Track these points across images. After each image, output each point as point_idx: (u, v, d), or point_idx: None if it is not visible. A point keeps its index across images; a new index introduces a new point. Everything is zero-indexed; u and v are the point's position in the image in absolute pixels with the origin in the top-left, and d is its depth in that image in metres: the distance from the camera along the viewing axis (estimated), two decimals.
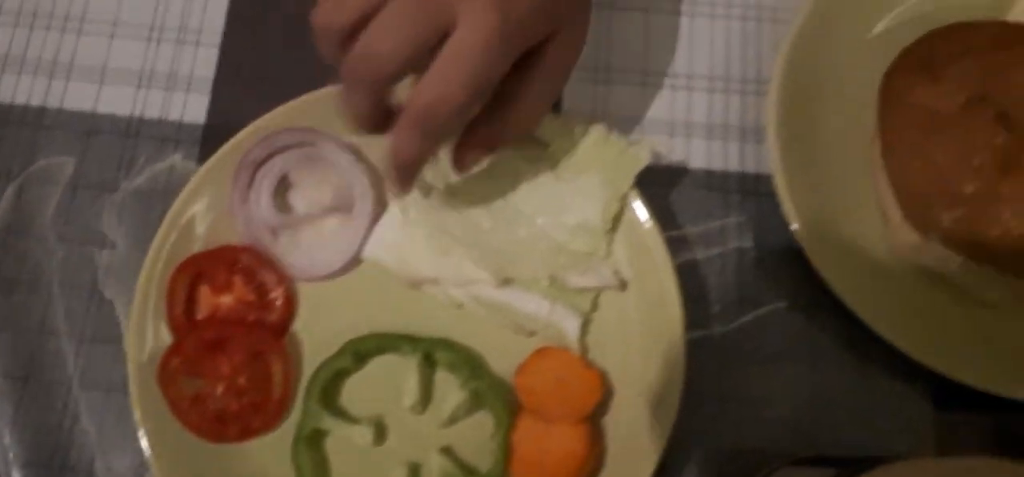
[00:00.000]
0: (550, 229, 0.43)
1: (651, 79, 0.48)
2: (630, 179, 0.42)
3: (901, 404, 0.43)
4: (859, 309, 0.41)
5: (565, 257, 0.43)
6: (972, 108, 0.37)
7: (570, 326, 0.42)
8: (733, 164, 0.47)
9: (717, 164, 0.47)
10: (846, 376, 0.43)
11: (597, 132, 0.43)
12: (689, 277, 0.45)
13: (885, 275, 0.42)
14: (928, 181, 0.38)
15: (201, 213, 0.44)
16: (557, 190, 0.43)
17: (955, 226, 0.37)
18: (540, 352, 0.42)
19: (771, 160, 0.43)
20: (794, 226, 0.42)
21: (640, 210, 0.42)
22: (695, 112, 0.48)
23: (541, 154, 0.44)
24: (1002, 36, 0.39)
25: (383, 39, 0.36)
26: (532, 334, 0.43)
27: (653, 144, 0.45)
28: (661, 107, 0.48)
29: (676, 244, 0.45)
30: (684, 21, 0.49)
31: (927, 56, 0.39)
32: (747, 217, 0.46)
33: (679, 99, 0.48)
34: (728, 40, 0.49)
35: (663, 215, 0.45)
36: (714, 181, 0.46)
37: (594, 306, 0.43)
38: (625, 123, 0.47)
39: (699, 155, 0.47)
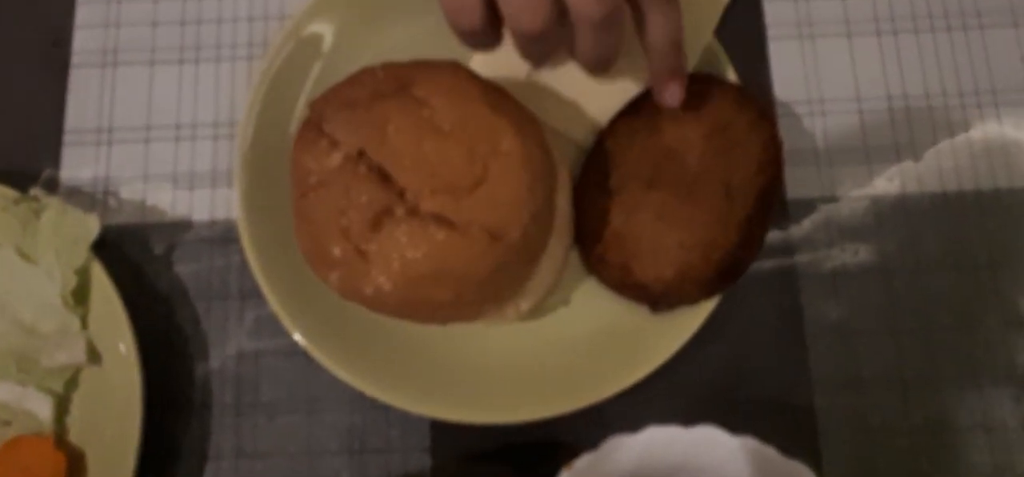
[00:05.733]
0: (18, 312, 0.42)
1: (155, 133, 0.48)
2: (85, 250, 0.42)
3: (401, 442, 0.43)
4: (318, 351, 0.41)
5: (36, 339, 0.42)
6: (348, 165, 0.36)
7: (42, 410, 0.41)
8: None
9: (221, 213, 0.46)
10: (343, 422, 0.44)
11: (54, 207, 0.42)
12: (192, 335, 0.44)
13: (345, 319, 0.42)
14: (309, 243, 0.38)
15: None
16: (22, 271, 0.42)
17: (341, 285, 0.37)
18: (10, 444, 0.41)
19: (236, 210, 0.43)
20: (258, 276, 0.42)
21: (103, 280, 0.42)
22: (199, 162, 0.47)
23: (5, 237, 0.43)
24: (384, 85, 0.38)
25: None
26: (7, 424, 0.41)
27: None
28: (165, 160, 0.47)
29: (181, 302, 0.45)
30: (188, 69, 0.48)
31: (319, 113, 0.38)
32: None
33: (183, 150, 0.47)
34: (233, 83, 0.48)
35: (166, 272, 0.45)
36: (217, 231, 0.46)
37: (73, 384, 0.42)
38: (130, 183, 0.47)
39: (203, 206, 0.46)
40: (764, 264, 0.45)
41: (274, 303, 0.42)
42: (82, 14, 0.49)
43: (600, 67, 0.39)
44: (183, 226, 0.46)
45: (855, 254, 0.46)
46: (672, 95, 0.41)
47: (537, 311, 0.43)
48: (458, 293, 0.36)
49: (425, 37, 0.46)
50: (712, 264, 0.40)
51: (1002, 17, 0.49)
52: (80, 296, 0.42)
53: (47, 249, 0.42)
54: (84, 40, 0.49)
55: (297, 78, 0.45)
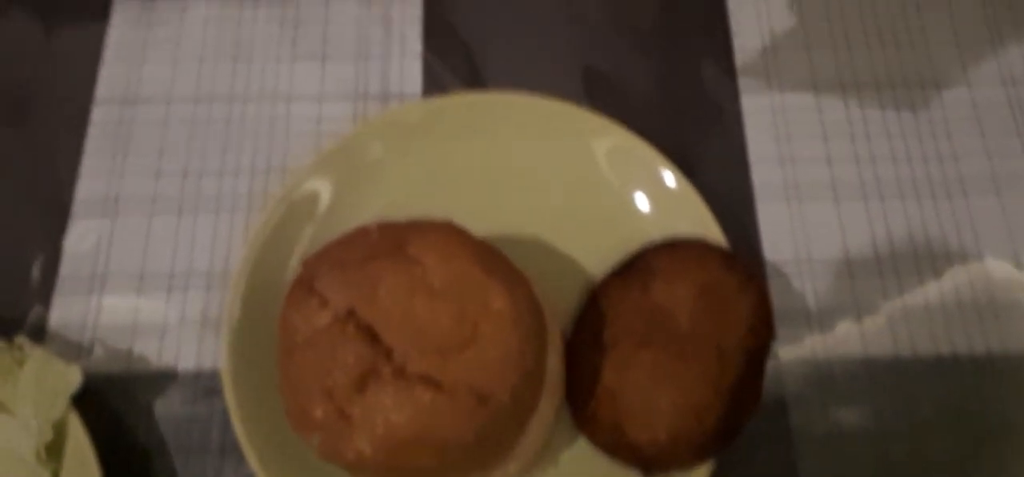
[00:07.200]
0: None
1: (148, 282, 0.48)
2: (65, 403, 0.41)
3: None
4: None
5: None
6: (337, 325, 0.36)
7: None
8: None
9: (207, 363, 0.46)
10: None
11: (37, 358, 0.42)
12: None
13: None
14: (293, 402, 0.37)
15: None
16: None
17: (322, 448, 0.36)
18: None
19: (222, 363, 0.42)
20: (239, 432, 0.41)
21: (80, 434, 0.41)
22: (190, 309, 0.47)
23: None
24: (379, 245, 0.38)
25: None
26: None
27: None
28: (156, 309, 0.47)
29: (158, 455, 0.43)
30: (186, 220, 0.49)
31: (311, 272, 0.38)
32: None
33: (174, 299, 0.47)
34: (231, 234, 0.49)
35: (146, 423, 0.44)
36: (202, 382, 0.45)
37: None
38: (119, 330, 0.46)
39: (190, 354, 0.46)
40: (759, 425, 0.44)
41: (253, 460, 0.40)
42: (88, 164, 0.50)
43: None
44: (168, 375, 0.45)
45: (850, 417, 0.45)
46: None
47: (525, 474, 0.42)
48: (442, 459, 0.35)
49: (422, 194, 0.48)
50: (706, 427, 0.39)
51: (984, 184, 0.50)
52: (54, 450, 0.41)
53: (26, 400, 0.41)
54: (87, 189, 0.50)
55: (292, 234, 0.46)
